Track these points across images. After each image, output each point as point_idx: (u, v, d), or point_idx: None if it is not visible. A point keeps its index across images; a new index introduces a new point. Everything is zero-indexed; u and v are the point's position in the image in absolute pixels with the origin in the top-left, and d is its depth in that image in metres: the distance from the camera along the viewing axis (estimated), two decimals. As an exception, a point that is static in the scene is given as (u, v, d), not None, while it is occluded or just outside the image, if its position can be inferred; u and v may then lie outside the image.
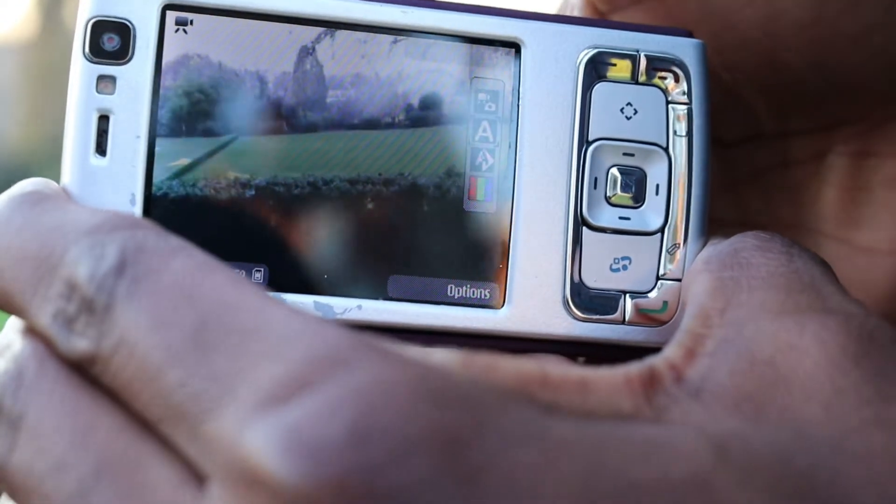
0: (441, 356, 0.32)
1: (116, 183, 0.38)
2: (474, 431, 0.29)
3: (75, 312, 0.32)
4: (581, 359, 0.40)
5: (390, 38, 0.39)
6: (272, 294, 0.32)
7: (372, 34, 0.39)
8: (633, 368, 0.33)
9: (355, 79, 0.39)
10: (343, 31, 0.39)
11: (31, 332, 0.33)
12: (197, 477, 0.31)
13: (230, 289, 0.31)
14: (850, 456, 0.31)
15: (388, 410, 0.29)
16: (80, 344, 0.32)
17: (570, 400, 0.33)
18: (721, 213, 0.45)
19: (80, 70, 0.38)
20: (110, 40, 0.38)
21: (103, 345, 0.32)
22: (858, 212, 0.45)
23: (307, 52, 0.39)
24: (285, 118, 0.39)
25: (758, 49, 0.42)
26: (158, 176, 0.38)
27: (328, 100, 0.39)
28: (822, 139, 0.45)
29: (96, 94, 0.38)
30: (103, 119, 0.38)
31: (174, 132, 0.38)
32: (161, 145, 0.38)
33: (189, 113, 0.38)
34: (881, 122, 0.44)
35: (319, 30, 0.39)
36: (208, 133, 0.38)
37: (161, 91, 0.38)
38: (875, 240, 0.44)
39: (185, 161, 0.38)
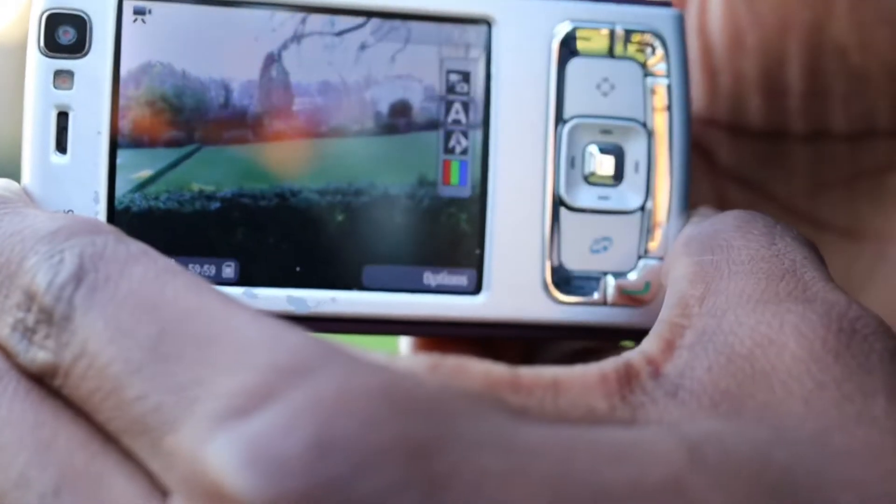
0: (407, 362, 0.32)
1: (79, 181, 0.37)
2: (440, 439, 0.28)
3: (34, 323, 0.31)
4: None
5: (358, 42, 0.38)
6: (237, 297, 0.31)
7: (338, 38, 0.38)
8: (609, 366, 0.33)
9: (322, 85, 0.38)
10: (308, 37, 0.38)
11: None
12: (160, 491, 0.30)
13: (191, 296, 0.31)
14: (831, 454, 0.30)
15: (352, 420, 0.28)
16: (40, 355, 0.31)
17: (542, 402, 0.32)
18: (814, 214, 0.43)
19: (36, 65, 0.37)
20: (66, 33, 0.37)
21: (63, 356, 0.31)
22: None
23: (272, 58, 0.38)
24: (250, 126, 0.38)
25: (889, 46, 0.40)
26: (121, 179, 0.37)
27: (294, 108, 0.38)
28: None
29: (54, 89, 0.37)
30: (62, 116, 0.37)
31: (136, 142, 0.37)
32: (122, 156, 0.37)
33: (147, 119, 0.37)
34: None
35: (286, 35, 0.38)
36: (170, 143, 0.37)
37: (121, 85, 0.37)
38: None
39: (146, 173, 0.37)
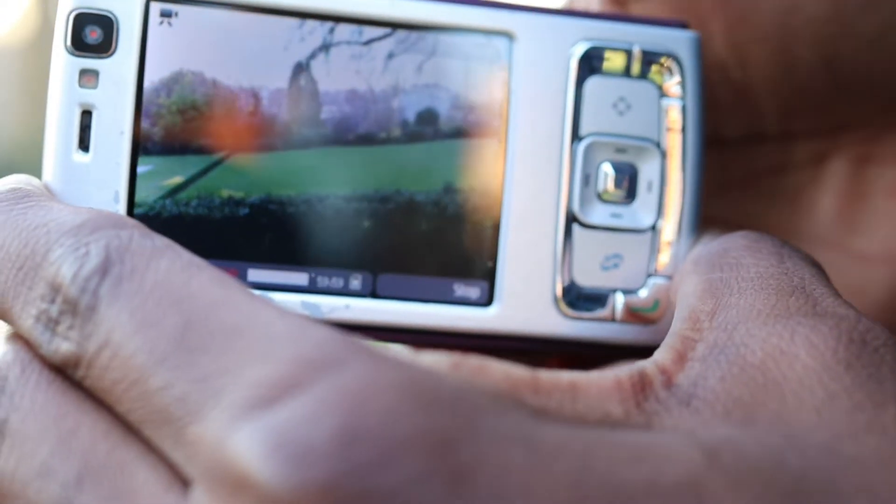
0: (430, 358, 0.32)
1: (100, 180, 0.37)
2: (464, 433, 0.28)
3: (58, 314, 0.31)
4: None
5: (385, 51, 0.39)
6: (260, 294, 0.31)
7: (365, 47, 0.38)
8: (624, 373, 0.33)
9: (349, 94, 0.39)
10: (337, 46, 0.38)
11: (14, 335, 0.33)
12: (181, 481, 0.30)
13: (217, 289, 0.31)
14: (843, 461, 0.30)
15: (377, 412, 0.28)
16: (63, 346, 0.31)
17: (560, 404, 0.32)
18: (715, 214, 0.44)
19: (62, 64, 0.37)
20: (93, 33, 0.37)
21: (87, 347, 0.31)
22: (856, 219, 0.44)
23: (301, 67, 0.38)
24: (279, 135, 0.38)
25: (772, 44, 0.42)
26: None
27: (322, 116, 0.38)
28: (824, 142, 0.44)
29: (79, 88, 0.37)
30: (86, 114, 0.37)
31: (163, 149, 0.38)
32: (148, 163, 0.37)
33: (176, 127, 0.38)
34: (884, 128, 0.44)
35: (315, 45, 0.38)
36: (199, 151, 0.38)
37: (145, 86, 0.37)
38: (872, 248, 0.44)
39: (178, 179, 0.38)
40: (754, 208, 0.45)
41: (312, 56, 0.38)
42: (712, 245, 0.37)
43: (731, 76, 0.42)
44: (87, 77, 0.37)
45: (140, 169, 0.37)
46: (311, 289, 0.38)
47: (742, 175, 0.45)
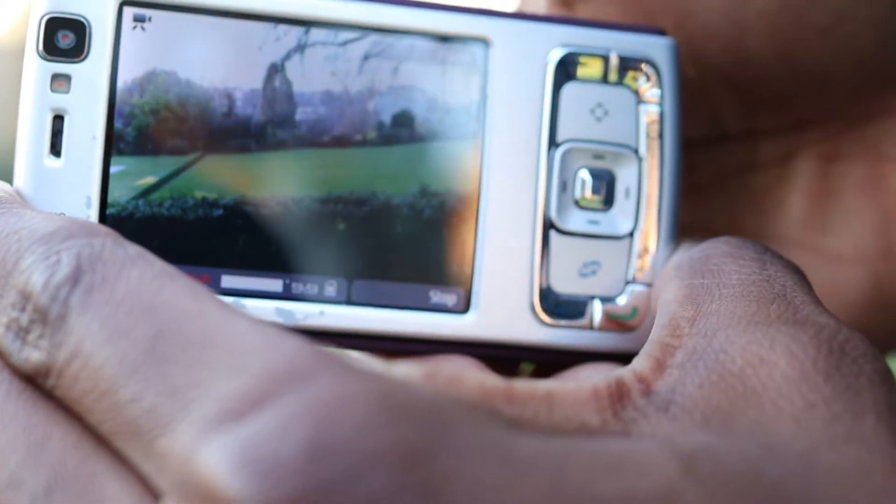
0: (403, 370, 0.32)
1: (71, 185, 0.37)
2: (435, 446, 0.28)
3: (29, 322, 0.31)
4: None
5: (361, 53, 0.38)
6: (233, 304, 0.31)
7: (341, 48, 0.38)
8: (601, 381, 0.33)
9: (325, 95, 0.38)
10: (312, 47, 0.38)
11: None
12: (151, 494, 0.30)
13: (188, 299, 0.31)
14: (821, 470, 0.30)
15: (346, 425, 0.28)
16: (33, 355, 0.31)
17: (536, 414, 0.32)
18: (683, 217, 0.44)
19: (34, 68, 0.37)
20: (65, 38, 0.37)
21: (57, 356, 0.31)
22: (826, 218, 0.44)
23: (276, 68, 0.38)
24: (253, 136, 0.38)
25: (723, 39, 0.41)
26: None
27: (297, 117, 0.38)
28: (789, 140, 0.44)
29: (50, 93, 0.37)
30: (58, 119, 0.37)
31: (135, 149, 0.37)
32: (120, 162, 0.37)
33: (149, 127, 0.37)
34: (849, 123, 0.43)
35: (290, 45, 0.38)
36: (172, 151, 0.37)
37: (118, 91, 0.37)
38: (843, 248, 0.43)
39: (150, 180, 0.37)
40: (722, 210, 0.45)
41: (287, 57, 0.38)
42: (694, 251, 0.37)
43: (687, 75, 0.42)
44: (59, 82, 0.37)
45: (113, 169, 0.37)
46: (286, 295, 0.38)
47: (708, 177, 0.45)
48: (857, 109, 0.43)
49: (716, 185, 0.44)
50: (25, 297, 0.31)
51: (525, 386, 0.32)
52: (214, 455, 0.28)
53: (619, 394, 0.32)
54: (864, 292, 0.43)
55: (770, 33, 0.41)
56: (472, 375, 0.32)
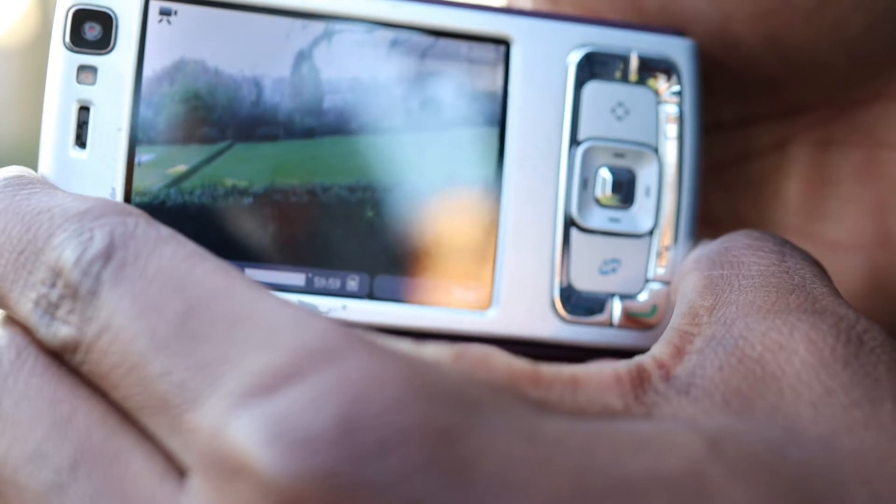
0: (432, 351, 0.32)
1: (96, 176, 0.37)
2: (465, 425, 0.28)
3: (59, 298, 0.31)
4: None
5: (388, 39, 0.39)
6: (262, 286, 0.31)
7: (368, 35, 0.38)
8: (622, 366, 0.33)
9: (352, 83, 0.38)
10: (339, 34, 0.38)
11: (9, 320, 0.32)
12: (177, 471, 0.30)
13: (220, 278, 0.31)
14: (841, 455, 0.30)
15: (378, 402, 0.28)
16: (62, 330, 0.31)
17: (561, 397, 0.32)
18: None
19: (61, 60, 0.37)
20: (91, 29, 0.37)
21: (86, 331, 0.31)
22: (822, 205, 0.44)
23: (303, 56, 0.38)
24: (282, 123, 0.38)
25: (708, 24, 0.41)
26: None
27: (325, 105, 0.38)
28: (783, 127, 0.44)
29: (77, 84, 0.37)
30: (83, 110, 0.37)
31: (161, 137, 0.37)
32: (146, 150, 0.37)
33: (178, 116, 0.38)
34: (843, 109, 0.43)
35: (317, 33, 0.38)
36: (204, 139, 0.38)
37: (145, 81, 0.37)
38: (840, 235, 0.43)
39: (181, 168, 0.38)
40: (720, 199, 0.45)
41: (315, 44, 0.38)
42: (713, 244, 0.37)
43: None
44: (86, 73, 0.37)
45: (144, 157, 0.37)
46: (308, 289, 0.38)
47: (705, 166, 0.45)
48: (850, 95, 0.43)
49: (713, 174, 0.44)
50: (56, 273, 0.31)
51: (550, 369, 0.32)
52: (245, 428, 0.28)
53: (640, 378, 0.32)
54: (861, 279, 0.43)
55: (755, 17, 0.40)
56: (499, 358, 0.32)
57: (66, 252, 0.31)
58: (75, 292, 0.31)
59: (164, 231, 0.32)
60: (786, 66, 0.41)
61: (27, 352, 0.32)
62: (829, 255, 0.42)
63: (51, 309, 0.31)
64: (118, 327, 0.30)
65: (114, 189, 0.37)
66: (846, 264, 0.43)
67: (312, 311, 0.30)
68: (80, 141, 0.37)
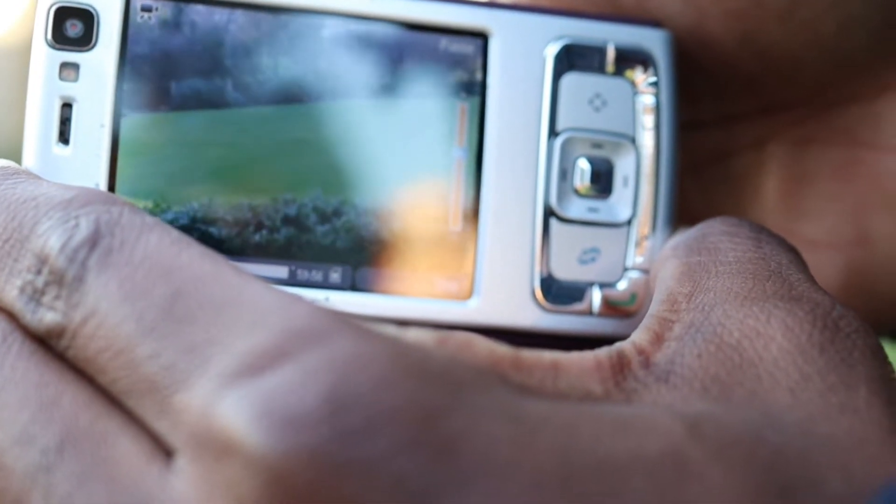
0: (416, 334, 0.32)
1: (80, 173, 0.37)
2: (451, 405, 0.29)
3: (44, 285, 0.31)
4: None
5: (365, 33, 0.39)
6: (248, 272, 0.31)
7: (346, 29, 0.39)
8: (602, 353, 0.33)
9: (330, 78, 0.39)
10: (317, 29, 0.39)
11: None
12: (164, 453, 0.30)
13: (206, 263, 0.31)
14: (818, 439, 0.31)
15: (364, 381, 0.28)
16: (47, 316, 0.31)
17: (542, 382, 0.32)
18: (681, 203, 0.44)
19: (43, 57, 0.37)
20: (73, 26, 0.37)
21: (72, 316, 0.31)
22: (800, 203, 0.44)
23: (281, 50, 0.39)
24: (260, 121, 0.38)
25: (682, 21, 0.41)
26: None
27: (301, 102, 0.39)
28: (761, 126, 0.44)
29: (59, 81, 0.37)
30: (66, 107, 0.37)
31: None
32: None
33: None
34: (821, 108, 0.44)
35: (295, 28, 0.39)
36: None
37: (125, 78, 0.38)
38: (818, 233, 0.44)
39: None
40: (699, 197, 0.45)
41: (293, 38, 0.39)
42: (690, 231, 0.38)
43: None
44: (68, 70, 0.37)
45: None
46: (292, 282, 0.38)
47: (684, 163, 0.45)
48: (828, 94, 0.43)
49: (692, 172, 0.45)
50: (42, 260, 0.32)
51: (532, 355, 0.33)
52: (233, 407, 0.28)
53: (620, 365, 0.33)
54: (839, 277, 0.43)
55: (728, 16, 0.41)
56: (481, 343, 0.33)
57: (52, 239, 0.31)
58: (61, 279, 0.31)
59: (150, 219, 0.32)
60: (762, 64, 0.42)
61: (13, 337, 0.32)
62: (807, 253, 0.43)
63: (36, 295, 0.32)
64: (104, 312, 0.30)
65: (97, 185, 0.37)
66: (824, 262, 0.44)
67: (298, 296, 0.30)
68: (64, 137, 0.37)
